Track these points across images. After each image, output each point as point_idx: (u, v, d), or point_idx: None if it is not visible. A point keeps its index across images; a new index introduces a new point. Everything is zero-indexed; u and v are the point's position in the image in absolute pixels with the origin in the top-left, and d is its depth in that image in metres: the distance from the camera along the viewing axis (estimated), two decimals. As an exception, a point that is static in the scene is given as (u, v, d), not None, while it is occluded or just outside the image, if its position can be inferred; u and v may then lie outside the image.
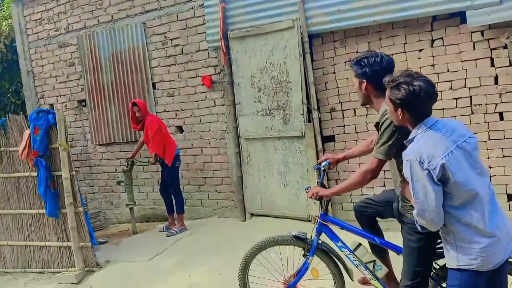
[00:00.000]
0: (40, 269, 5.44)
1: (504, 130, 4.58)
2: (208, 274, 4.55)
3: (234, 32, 5.81)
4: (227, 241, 5.40)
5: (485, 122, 4.65)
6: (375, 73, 2.53)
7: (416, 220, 2.20)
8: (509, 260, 2.18)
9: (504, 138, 4.58)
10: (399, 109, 2.20)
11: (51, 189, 5.16)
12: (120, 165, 7.03)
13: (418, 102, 2.14)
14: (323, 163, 3.16)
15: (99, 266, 5.17)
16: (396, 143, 2.40)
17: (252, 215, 6.07)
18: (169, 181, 6.00)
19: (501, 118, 4.59)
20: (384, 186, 4.97)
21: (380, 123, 2.53)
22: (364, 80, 2.62)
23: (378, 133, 2.58)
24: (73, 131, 7.55)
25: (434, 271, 2.58)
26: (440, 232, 2.22)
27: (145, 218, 7.06)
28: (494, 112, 4.61)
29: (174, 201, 6.10)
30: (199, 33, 6.22)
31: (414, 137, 2.20)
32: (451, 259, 2.17)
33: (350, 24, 5.13)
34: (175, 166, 5.93)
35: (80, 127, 7.53)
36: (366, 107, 5.16)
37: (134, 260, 5.16)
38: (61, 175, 5.09)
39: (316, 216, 3.58)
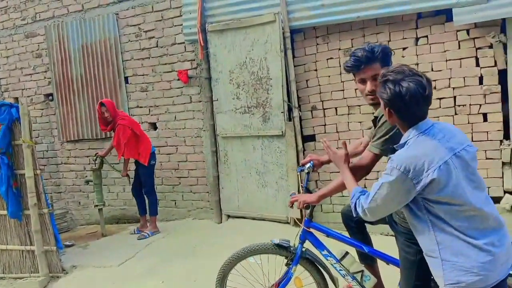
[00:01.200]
0: (0, 274, 5.06)
1: (487, 132, 4.49)
2: (183, 280, 4.29)
3: (212, 25, 5.55)
4: (202, 244, 5.16)
5: (468, 123, 4.55)
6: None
7: (353, 205, 2.10)
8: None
9: (488, 140, 4.48)
10: (387, 108, 1.99)
11: (14, 189, 4.80)
12: (89, 164, 6.68)
13: (404, 105, 1.90)
14: (307, 165, 2.94)
15: (65, 272, 4.85)
16: (394, 139, 2.20)
17: (229, 216, 5.84)
18: (143, 180, 5.71)
19: (485, 120, 4.50)
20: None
21: (379, 117, 2.34)
22: None
23: (375, 127, 2.39)
24: (39, 127, 7.16)
25: (433, 284, 2.39)
26: (422, 247, 2.02)
27: (115, 219, 6.75)
28: (478, 113, 4.52)
29: (147, 201, 5.80)
30: (175, 25, 5.94)
31: (405, 143, 1.98)
32: (438, 278, 1.96)
33: (333, 19, 4.95)
34: (150, 164, 5.65)
35: (47, 122, 7.14)
36: (349, 106, 5.08)
37: (103, 265, 4.85)
38: (24, 174, 4.75)
39: (297, 219, 3.41)
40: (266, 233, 5.07)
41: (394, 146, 2.05)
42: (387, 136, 2.30)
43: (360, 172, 2.40)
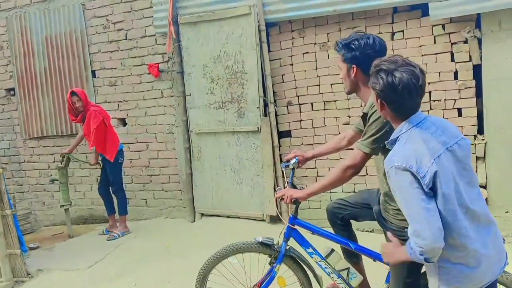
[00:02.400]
0: (-41, 280, 4.75)
1: (462, 127, 4.52)
2: (156, 282, 4.11)
3: (185, 17, 5.36)
4: (175, 244, 4.99)
5: (443, 117, 4.54)
6: (367, 57, 2.22)
7: (410, 245, 1.80)
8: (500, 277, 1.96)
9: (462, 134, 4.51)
10: (379, 100, 1.90)
11: (-28, 189, 4.49)
12: (54, 162, 6.38)
13: (397, 96, 1.82)
14: (292, 161, 2.85)
15: (30, 276, 4.57)
16: (385, 137, 2.11)
17: (203, 215, 5.68)
18: (111, 179, 5.46)
19: (460, 115, 4.53)
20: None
21: (369, 114, 2.25)
22: (354, 65, 2.32)
23: (365, 125, 2.30)
24: (0, 123, 6.76)
25: (422, 281, 2.34)
26: None
27: (82, 219, 6.48)
28: (453, 108, 4.55)
29: (116, 200, 5.57)
30: (145, 17, 5.72)
31: (397, 138, 1.90)
32: (432, 278, 1.90)
33: (310, 13, 4.88)
34: (118, 162, 5.40)
35: (8, 118, 6.76)
36: (325, 102, 5.02)
37: (70, 268, 4.60)
38: (-16, 174, 4.44)
39: (280, 214, 3.31)
40: (241, 231, 4.96)
41: (385, 142, 1.97)
42: (377, 135, 2.22)
43: (350, 171, 2.32)
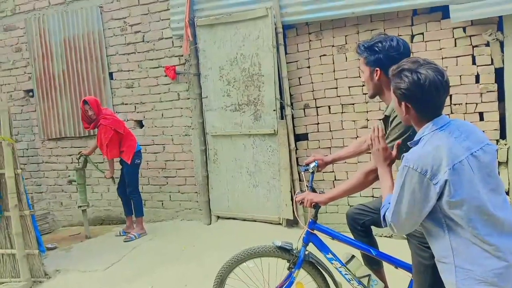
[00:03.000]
0: (-21, 279, 4.81)
1: (484, 131, 4.38)
2: (173, 285, 4.11)
3: (201, 20, 5.37)
4: (192, 246, 4.99)
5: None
6: (391, 60, 2.17)
7: (382, 216, 1.91)
8: None
9: (484, 139, 4.42)
10: (403, 102, 1.84)
11: (-8, 190, 4.55)
12: (72, 162, 6.43)
13: (424, 93, 1.76)
14: (312, 165, 2.82)
15: (48, 276, 4.61)
16: (408, 141, 2.07)
17: (218, 217, 5.67)
18: (127, 180, 5.49)
19: (481, 119, 4.45)
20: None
21: (392, 117, 2.21)
22: (378, 68, 2.28)
23: (385, 127, 2.26)
24: (19, 124, 6.86)
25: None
26: (434, 252, 1.89)
27: (99, 220, 6.51)
28: (474, 112, 4.46)
29: (132, 202, 5.59)
30: (162, 20, 5.74)
31: (420, 139, 1.85)
32: (449, 285, 1.83)
33: (327, 15, 4.84)
34: (135, 163, 5.43)
35: (27, 119, 6.84)
36: (342, 105, 4.97)
37: (87, 270, 4.63)
38: (4, 174, 4.49)
39: (298, 217, 3.27)
40: (257, 234, 4.94)
41: (408, 143, 1.92)
42: (400, 139, 2.17)
43: (372, 175, 2.27)
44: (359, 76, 4.64)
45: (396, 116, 2.18)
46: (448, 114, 4.54)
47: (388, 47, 2.23)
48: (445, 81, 1.77)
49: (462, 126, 1.85)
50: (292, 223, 5.12)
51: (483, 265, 1.73)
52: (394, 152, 2.09)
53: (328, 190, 2.57)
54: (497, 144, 4.36)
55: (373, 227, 2.77)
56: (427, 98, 1.78)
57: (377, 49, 2.25)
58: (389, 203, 1.89)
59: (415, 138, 1.88)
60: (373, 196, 4.67)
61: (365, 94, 4.70)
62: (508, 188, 4.35)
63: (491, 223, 1.75)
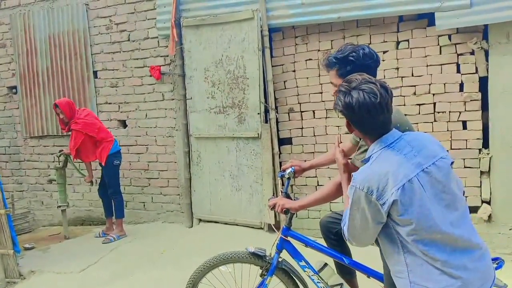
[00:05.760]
0: (-49, 278, 4.69)
1: (466, 140, 4.43)
2: (149, 288, 4.04)
3: (188, 20, 5.31)
4: (171, 249, 4.92)
5: (447, 130, 4.48)
6: (366, 68, 2.11)
7: (342, 229, 1.91)
8: None
9: (467, 148, 4.42)
10: (346, 121, 1.84)
11: (-33, 188, 4.45)
12: (54, 161, 6.31)
13: (356, 116, 1.75)
14: (288, 170, 2.78)
15: (22, 277, 4.52)
16: None
17: (200, 220, 5.60)
18: (107, 182, 5.40)
19: (464, 127, 4.43)
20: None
21: None
22: None
23: (359, 139, 2.22)
24: (1, 121, 6.77)
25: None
26: (390, 267, 1.85)
27: (80, 221, 6.41)
28: (458, 121, 4.45)
29: (113, 203, 5.50)
30: (148, 19, 5.67)
31: (369, 157, 1.81)
32: None
33: (314, 19, 4.81)
34: (113, 164, 5.34)
35: (10, 116, 6.73)
36: (327, 110, 4.93)
37: (63, 271, 4.53)
38: (-21, 172, 4.40)
39: (274, 227, 3.22)
40: (239, 238, 4.89)
41: (361, 160, 1.88)
42: None
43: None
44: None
45: None
46: (432, 122, 4.53)
47: (362, 55, 2.17)
48: (378, 102, 1.70)
49: (414, 141, 1.81)
50: (277, 229, 5.05)
51: (438, 281, 1.69)
52: (353, 169, 2.07)
53: (302, 197, 2.52)
54: (479, 153, 4.35)
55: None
56: (361, 120, 1.77)
57: (352, 58, 2.18)
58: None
59: (366, 156, 1.84)
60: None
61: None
62: (490, 198, 4.34)
63: (443, 241, 1.70)
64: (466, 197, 2.01)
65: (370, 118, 1.74)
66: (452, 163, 1.84)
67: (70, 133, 5.63)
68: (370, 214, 1.72)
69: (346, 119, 1.82)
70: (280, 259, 2.68)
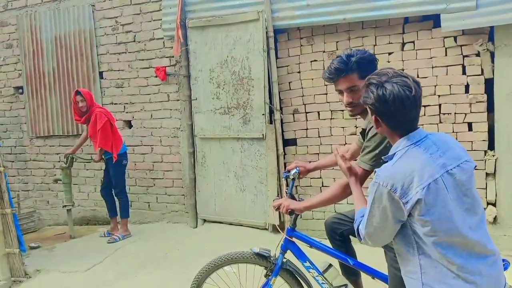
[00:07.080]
0: (-43, 277, 4.73)
1: (472, 142, 4.41)
2: (154, 288, 4.05)
3: (193, 21, 5.33)
4: (176, 249, 4.93)
5: (453, 132, 4.47)
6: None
7: (356, 230, 1.89)
8: None
9: (472, 150, 4.40)
10: (373, 116, 1.79)
11: (-26, 187, 4.47)
12: (59, 161, 6.37)
13: (389, 109, 1.70)
14: (292, 171, 2.78)
15: (28, 276, 4.53)
16: (384, 152, 2.02)
17: (205, 221, 5.61)
18: (114, 181, 5.41)
19: (470, 129, 4.42)
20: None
21: (368, 129, 2.17)
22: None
23: (364, 140, 2.22)
24: (7, 121, 6.81)
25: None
26: (402, 267, 1.84)
27: (85, 220, 6.44)
28: (463, 122, 4.44)
29: (118, 203, 5.52)
30: (154, 20, 5.70)
31: (394, 154, 1.78)
32: None
33: (319, 20, 4.81)
34: (122, 164, 5.36)
35: (16, 116, 6.78)
36: (332, 111, 4.94)
37: (68, 270, 4.55)
38: (-14, 171, 4.42)
39: (279, 227, 3.23)
40: (243, 239, 4.89)
41: (383, 157, 1.87)
42: (377, 151, 2.13)
43: (349, 188, 2.23)
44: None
45: (371, 127, 2.13)
46: (437, 124, 4.52)
47: (372, 58, 2.26)
48: (412, 96, 1.68)
49: (440, 141, 1.77)
50: (281, 229, 5.06)
51: (451, 285, 1.68)
52: (359, 170, 2.10)
53: (307, 199, 2.52)
54: (485, 155, 4.34)
55: (351, 237, 2.72)
56: (394, 113, 1.72)
57: (371, 58, 2.26)
58: (362, 217, 1.85)
59: (390, 153, 1.82)
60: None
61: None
62: (495, 200, 4.32)
63: (461, 244, 1.69)
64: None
65: (403, 111, 1.70)
66: (475, 167, 1.82)
67: (75, 132, 5.70)
68: (391, 212, 1.70)
69: (373, 113, 1.77)
70: (284, 260, 2.68)
